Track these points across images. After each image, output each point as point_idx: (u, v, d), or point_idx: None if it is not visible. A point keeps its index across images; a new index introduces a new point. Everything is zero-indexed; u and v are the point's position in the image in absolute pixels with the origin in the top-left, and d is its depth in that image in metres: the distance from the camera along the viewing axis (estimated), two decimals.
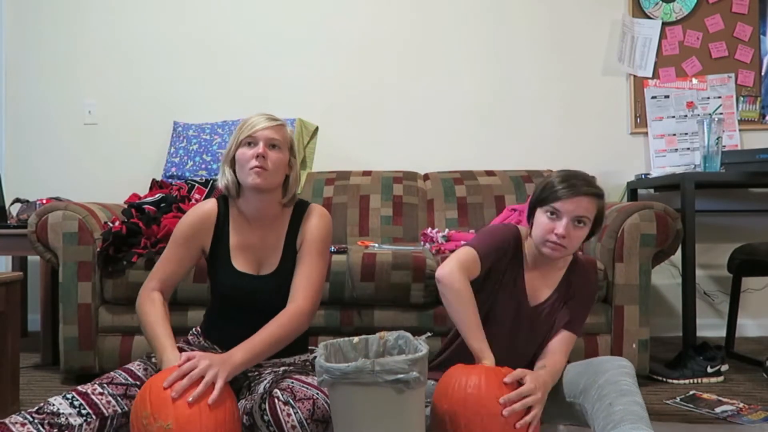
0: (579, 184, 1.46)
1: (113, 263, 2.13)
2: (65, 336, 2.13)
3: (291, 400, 1.35)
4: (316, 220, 1.55)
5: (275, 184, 1.50)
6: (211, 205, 1.57)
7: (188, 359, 1.29)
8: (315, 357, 1.31)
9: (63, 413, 1.31)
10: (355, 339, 1.41)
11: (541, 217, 1.48)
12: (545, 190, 1.49)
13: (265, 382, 1.48)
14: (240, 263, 1.54)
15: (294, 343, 1.48)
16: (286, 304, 1.47)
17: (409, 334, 1.41)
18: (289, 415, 1.34)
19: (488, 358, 1.40)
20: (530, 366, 1.55)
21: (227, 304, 1.58)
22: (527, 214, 1.58)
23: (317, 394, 1.40)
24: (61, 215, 2.13)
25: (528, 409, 1.32)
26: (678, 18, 3.14)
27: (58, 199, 2.68)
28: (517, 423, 1.30)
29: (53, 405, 1.32)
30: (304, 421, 1.34)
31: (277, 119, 1.52)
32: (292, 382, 1.42)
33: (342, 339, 1.41)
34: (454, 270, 1.44)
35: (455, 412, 1.31)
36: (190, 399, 1.22)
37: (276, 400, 1.35)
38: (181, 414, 1.22)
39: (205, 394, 1.25)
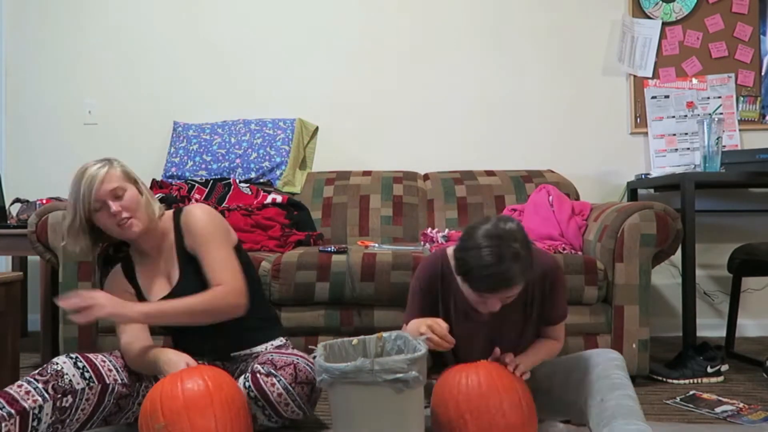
0: (497, 284, 1.33)
1: (113, 263, 2.12)
2: (65, 336, 2.13)
3: (272, 371, 1.39)
4: (191, 217, 1.57)
5: (144, 224, 1.53)
6: (116, 267, 1.65)
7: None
8: (315, 357, 1.31)
9: (67, 373, 1.32)
10: (354, 340, 1.42)
11: (468, 288, 1.38)
12: (468, 270, 1.34)
13: (247, 371, 1.51)
14: (153, 291, 1.59)
15: (260, 330, 1.57)
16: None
17: (407, 334, 1.41)
18: (273, 384, 1.37)
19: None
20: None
21: (173, 329, 1.63)
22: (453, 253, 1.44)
23: (297, 359, 1.43)
24: (61, 215, 2.13)
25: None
26: (678, 18, 3.13)
27: (58, 199, 2.68)
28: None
29: (57, 364, 1.34)
30: (288, 386, 1.37)
31: (99, 163, 1.50)
32: (272, 355, 1.45)
33: (341, 339, 1.41)
34: None
35: (456, 410, 1.31)
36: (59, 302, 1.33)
37: (258, 375, 1.38)
38: (197, 426, 1.21)
39: (226, 403, 1.27)
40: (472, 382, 1.33)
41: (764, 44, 3.10)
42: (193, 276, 1.55)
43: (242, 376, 1.44)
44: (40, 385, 1.29)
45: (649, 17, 3.14)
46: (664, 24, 3.14)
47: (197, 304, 1.44)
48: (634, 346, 2.09)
